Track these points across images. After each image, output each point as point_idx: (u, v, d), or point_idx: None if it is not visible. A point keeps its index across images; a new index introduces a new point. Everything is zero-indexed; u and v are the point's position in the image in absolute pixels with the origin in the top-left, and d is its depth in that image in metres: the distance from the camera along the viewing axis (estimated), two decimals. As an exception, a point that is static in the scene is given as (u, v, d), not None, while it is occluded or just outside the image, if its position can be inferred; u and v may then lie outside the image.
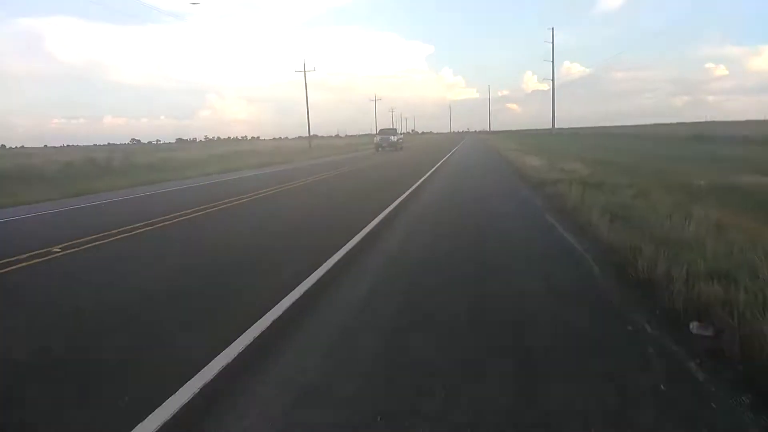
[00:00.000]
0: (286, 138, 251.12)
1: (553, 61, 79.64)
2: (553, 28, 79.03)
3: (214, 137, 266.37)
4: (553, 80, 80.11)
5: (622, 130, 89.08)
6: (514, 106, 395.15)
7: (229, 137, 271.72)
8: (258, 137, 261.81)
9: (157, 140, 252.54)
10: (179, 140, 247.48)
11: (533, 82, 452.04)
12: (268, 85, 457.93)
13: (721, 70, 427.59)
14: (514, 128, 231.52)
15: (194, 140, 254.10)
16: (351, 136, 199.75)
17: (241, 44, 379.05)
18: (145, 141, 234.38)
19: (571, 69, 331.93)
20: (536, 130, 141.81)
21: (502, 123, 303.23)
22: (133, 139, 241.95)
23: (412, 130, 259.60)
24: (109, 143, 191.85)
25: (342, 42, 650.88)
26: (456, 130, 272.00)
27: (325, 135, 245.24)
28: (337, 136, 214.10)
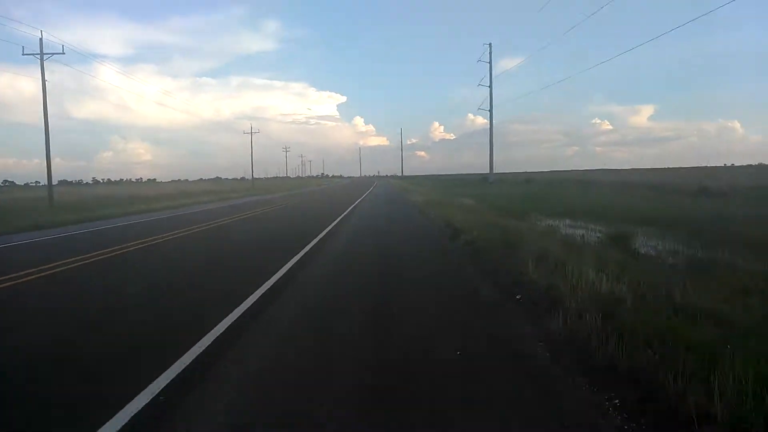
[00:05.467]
0: (186, 180, 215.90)
1: (491, 86, 54.94)
2: (490, 44, 54.80)
3: (104, 179, 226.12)
4: (491, 111, 55.17)
5: (564, 176, 67.44)
6: (422, 153, 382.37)
7: (122, 179, 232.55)
8: (155, 179, 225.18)
9: (36, 182, 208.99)
10: (62, 182, 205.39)
11: (440, 132, 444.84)
12: (174, 128, 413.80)
13: (606, 126, 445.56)
14: (422, 174, 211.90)
15: (80, 182, 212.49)
16: (258, 179, 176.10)
17: (149, 87, 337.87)
18: (21, 183, 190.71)
19: (476, 121, 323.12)
20: (457, 175, 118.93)
21: (411, 169, 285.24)
22: (6, 181, 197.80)
23: (322, 174, 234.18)
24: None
25: (253, 89, 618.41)
26: (366, 174, 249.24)
27: (230, 177, 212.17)
28: (243, 178, 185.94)
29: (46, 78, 25.44)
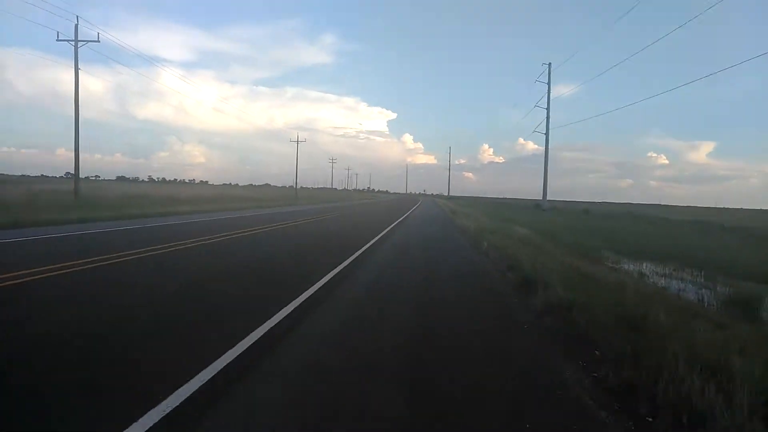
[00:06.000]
0: (237, 185, 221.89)
1: (548, 108, 51.12)
2: (549, 64, 51.18)
3: (158, 178, 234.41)
4: (547, 134, 51.22)
5: (623, 209, 61.43)
6: (469, 174, 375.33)
7: (176, 179, 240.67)
8: (207, 182, 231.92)
9: (96, 176, 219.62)
10: (119, 177, 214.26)
11: (489, 155, 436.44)
12: (229, 134, 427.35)
13: (662, 160, 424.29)
14: (468, 195, 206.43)
15: (136, 179, 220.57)
16: (305, 188, 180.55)
17: (207, 94, 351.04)
18: (83, 176, 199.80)
19: (526, 146, 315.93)
20: (504, 199, 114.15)
21: (457, 189, 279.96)
22: (68, 173, 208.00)
23: (368, 188, 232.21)
24: (42, 175, 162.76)
25: (306, 100, 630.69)
26: (412, 192, 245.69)
27: (279, 185, 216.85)
28: (291, 187, 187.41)
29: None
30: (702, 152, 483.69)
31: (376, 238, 14.76)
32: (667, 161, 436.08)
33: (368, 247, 12.30)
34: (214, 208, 26.31)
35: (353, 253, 10.86)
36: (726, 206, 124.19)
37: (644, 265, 14.37)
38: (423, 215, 32.76)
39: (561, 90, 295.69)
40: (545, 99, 52.59)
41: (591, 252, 15.99)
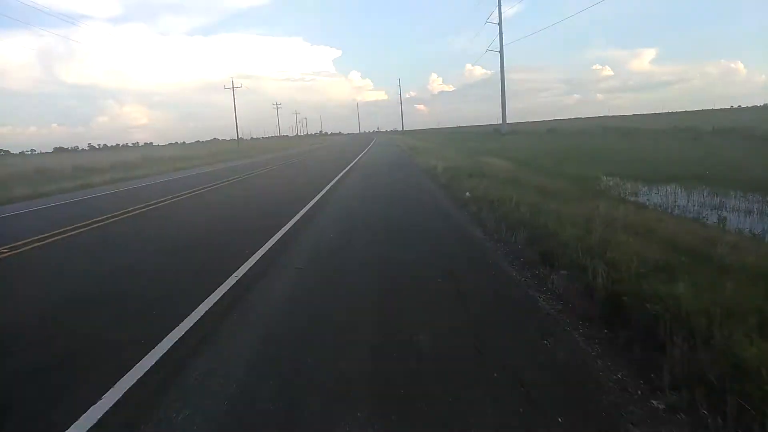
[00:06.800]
0: (183, 143, 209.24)
1: (500, 23, 45.90)
2: (499, -30, 45.39)
3: (100, 145, 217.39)
4: (501, 52, 46.37)
5: (570, 125, 58.05)
6: (421, 106, 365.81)
7: (118, 144, 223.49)
8: (152, 143, 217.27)
9: (32, 150, 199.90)
10: (57, 149, 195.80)
11: (438, 84, 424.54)
12: (170, 91, 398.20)
13: (607, 71, 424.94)
14: (423, 128, 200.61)
15: (76, 149, 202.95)
16: (255, 138, 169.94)
17: (140, 50, 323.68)
18: (17, 152, 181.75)
19: (474, 72, 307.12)
20: (459, 128, 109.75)
21: (411, 123, 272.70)
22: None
23: (321, 131, 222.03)
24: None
25: (245, 46, 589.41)
26: (365, 131, 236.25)
27: (228, 138, 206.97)
28: (242, 139, 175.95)
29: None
30: (644, 59, 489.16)
31: (297, 218, 8.75)
32: (611, 72, 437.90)
33: (284, 234, 7.35)
34: (117, 178, 20.67)
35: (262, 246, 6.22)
36: (674, 110, 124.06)
37: (678, 193, 10.66)
38: (378, 157, 27.44)
39: (506, 11, 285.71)
40: (496, 15, 47.53)
41: (594, 181, 12.19)
